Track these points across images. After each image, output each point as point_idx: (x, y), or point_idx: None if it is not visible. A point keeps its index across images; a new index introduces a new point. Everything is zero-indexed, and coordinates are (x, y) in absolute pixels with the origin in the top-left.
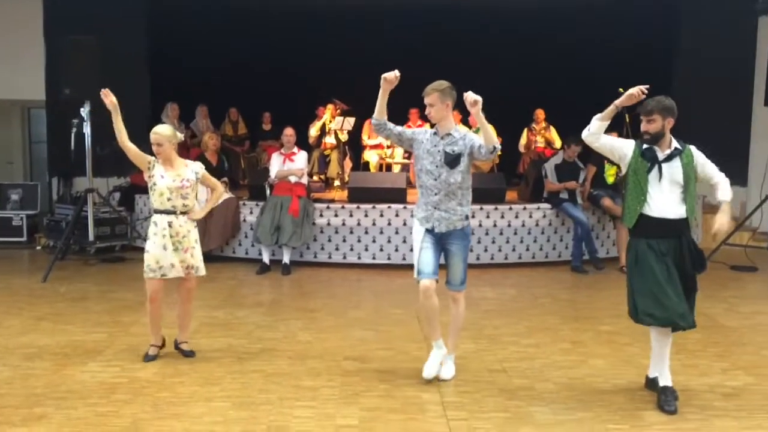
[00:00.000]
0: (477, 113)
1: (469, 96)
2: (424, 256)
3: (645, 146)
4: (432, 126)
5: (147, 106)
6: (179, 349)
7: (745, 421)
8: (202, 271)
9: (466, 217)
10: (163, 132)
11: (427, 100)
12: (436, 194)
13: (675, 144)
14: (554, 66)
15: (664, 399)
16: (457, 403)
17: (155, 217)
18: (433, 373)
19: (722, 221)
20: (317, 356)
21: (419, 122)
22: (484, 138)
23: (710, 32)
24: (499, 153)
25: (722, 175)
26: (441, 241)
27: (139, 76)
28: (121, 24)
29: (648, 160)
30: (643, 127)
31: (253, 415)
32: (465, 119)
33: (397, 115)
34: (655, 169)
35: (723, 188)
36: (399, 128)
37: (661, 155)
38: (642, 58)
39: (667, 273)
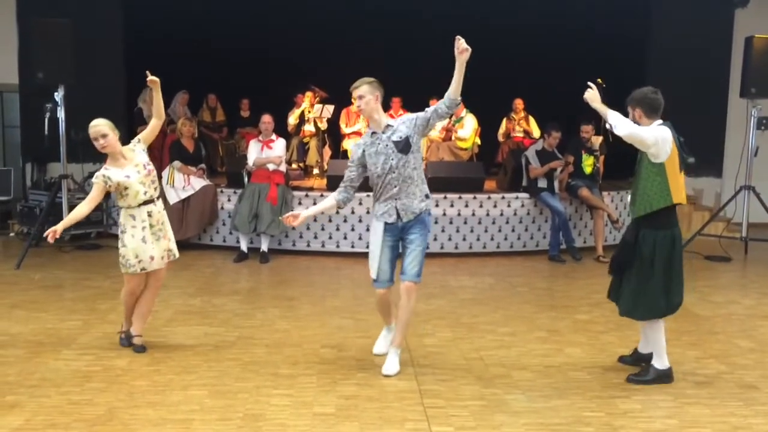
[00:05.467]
0: (464, 62)
1: (462, 42)
2: (383, 261)
3: None
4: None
5: (123, 92)
6: (131, 344)
7: (718, 409)
8: (177, 253)
9: (427, 196)
10: (104, 122)
11: (357, 93)
12: (396, 186)
13: None
14: (532, 56)
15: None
16: (434, 391)
17: (132, 211)
18: (383, 350)
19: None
20: (295, 344)
21: (401, 111)
22: (455, 88)
23: (686, 24)
24: (477, 140)
25: (631, 125)
26: (401, 234)
27: (114, 61)
28: (97, 7)
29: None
30: None
31: (229, 403)
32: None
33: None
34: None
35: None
36: (353, 172)
37: None
38: (618, 48)
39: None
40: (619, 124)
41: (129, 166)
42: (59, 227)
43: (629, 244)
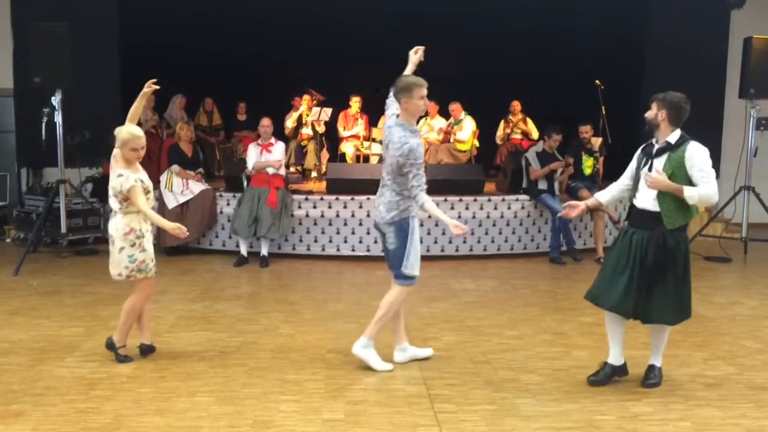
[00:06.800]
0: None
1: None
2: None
3: (649, 142)
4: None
5: (119, 96)
6: (148, 347)
7: (729, 411)
8: None
9: None
10: (142, 132)
11: (425, 92)
12: None
13: (670, 139)
14: (530, 58)
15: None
16: (444, 396)
17: (142, 216)
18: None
19: (656, 177)
20: (300, 349)
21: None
22: None
23: (682, 26)
24: (476, 142)
25: (708, 188)
26: None
27: (111, 65)
28: (93, 11)
29: (644, 155)
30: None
31: (237, 409)
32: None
33: (377, 107)
34: (647, 164)
35: (694, 189)
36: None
37: (654, 149)
38: (615, 51)
39: (625, 261)
40: (705, 195)
41: (142, 172)
42: (178, 224)
43: (677, 250)
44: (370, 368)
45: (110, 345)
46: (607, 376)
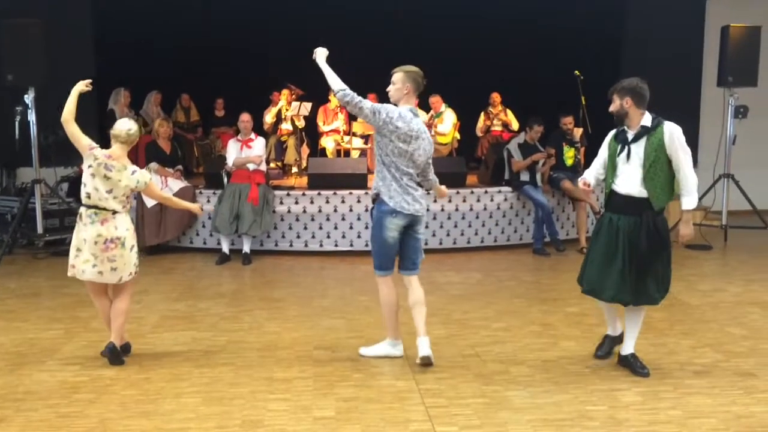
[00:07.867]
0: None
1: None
2: None
3: (620, 129)
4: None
5: (94, 93)
6: (126, 345)
7: (719, 398)
8: None
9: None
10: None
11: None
12: None
13: (645, 123)
14: (508, 49)
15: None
16: (434, 391)
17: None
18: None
19: (684, 232)
20: (287, 347)
21: None
22: (330, 84)
23: (659, 15)
24: (457, 135)
25: (690, 172)
26: None
27: (85, 62)
28: (66, 7)
29: (619, 142)
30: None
31: (225, 410)
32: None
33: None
34: (625, 150)
35: (686, 192)
36: None
37: (630, 135)
38: (592, 41)
39: (614, 248)
40: (696, 184)
41: None
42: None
43: (665, 232)
44: (431, 363)
45: (112, 350)
46: (610, 347)
